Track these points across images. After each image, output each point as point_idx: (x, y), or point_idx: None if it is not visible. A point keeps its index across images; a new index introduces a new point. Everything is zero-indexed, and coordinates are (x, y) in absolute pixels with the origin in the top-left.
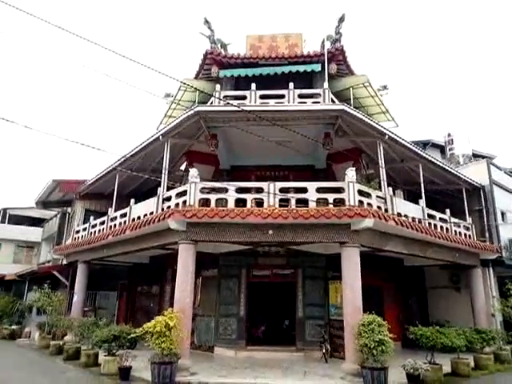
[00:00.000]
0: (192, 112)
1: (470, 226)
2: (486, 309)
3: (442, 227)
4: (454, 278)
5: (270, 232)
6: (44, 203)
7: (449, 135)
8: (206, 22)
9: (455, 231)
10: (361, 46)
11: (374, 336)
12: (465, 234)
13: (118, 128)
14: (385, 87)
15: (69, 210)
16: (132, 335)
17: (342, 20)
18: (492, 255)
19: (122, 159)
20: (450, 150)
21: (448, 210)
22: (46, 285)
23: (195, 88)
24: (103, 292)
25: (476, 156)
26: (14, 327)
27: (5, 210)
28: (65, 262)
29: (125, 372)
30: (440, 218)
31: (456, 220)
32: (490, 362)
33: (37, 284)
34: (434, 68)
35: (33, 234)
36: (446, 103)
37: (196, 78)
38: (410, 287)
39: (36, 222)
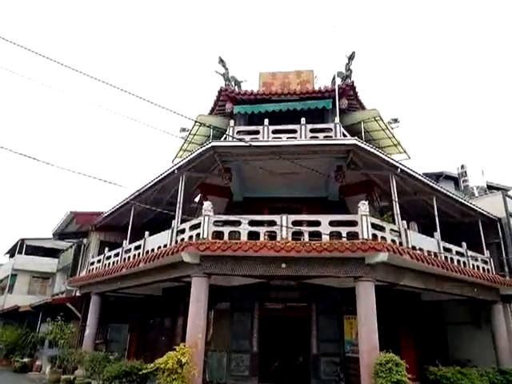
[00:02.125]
0: (206, 147)
1: (487, 260)
2: (509, 347)
3: (458, 261)
4: (473, 314)
5: (283, 265)
6: (60, 234)
7: (462, 167)
8: (221, 60)
9: (473, 265)
10: (371, 80)
11: (392, 376)
12: (483, 268)
13: (135, 162)
14: (396, 120)
15: (84, 241)
16: (143, 371)
17: (352, 57)
18: None
19: (137, 193)
20: (463, 181)
21: (464, 244)
22: (59, 317)
23: (209, 126)
24: (115, 325)
25: (491, 188)
26: (25, 360)
27: (22, 240)
28: (78, 294)
29: None
30: (456, 252)
31: (473, 253)
32: None
33: (50, 315)
34: (445, 100)
35: (48, 264)
36: (458, 135)
37: (211, 113)
38: (428, 323)
39: (52, 252)
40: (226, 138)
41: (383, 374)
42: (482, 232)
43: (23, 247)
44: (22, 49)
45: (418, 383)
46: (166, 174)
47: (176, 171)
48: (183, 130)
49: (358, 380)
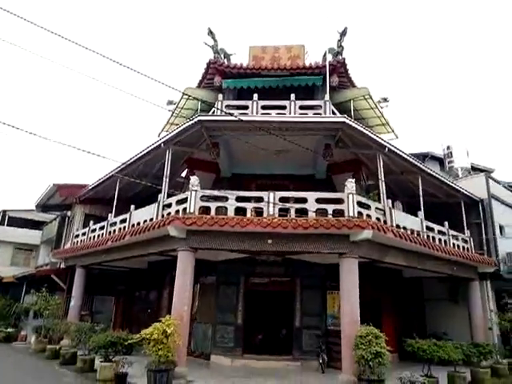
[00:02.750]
0: (194, 121)
1: (468, 239)
2: (483, 322)
3: (440, 240)
4: (451, 290)
5: (269, 241)
6: (44, 206)
7: (448, 148)
8: (210, 32)
9: (453, 244)
10: (362, 58)
11: (371, 348)
12: (463, 247)
13: (120, 134)
14: (385, 99)
15: (68, 213)
16: (129, 341)
17: (344, 33)
18: (490, 268)
19: (123, 166)
20: (449, 162)
21: (446, 223)
22: (43, 288)
23: (197, 98)
24: (100, 296)
25: (475, 169)
26: (9, 330)
27: (4, 211)
28: (63, 266)
29: (121, 378)
30: (438, 231)
31: (454, 233)
32: (486, 376)
33: (34, 287)
34: (433, 80)
35: (32, 236)
36: (445, 116)
37: (199, 86)
38: (408, 299)
39: (35, 224)
40: (214, 113)
41: (363, 346)
42: (464, 212)
43: (5, 218)
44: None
45: (396, 355)
46: (152, 147)
47: (162, 145)
48: (170, 102)
49: (339, 351)
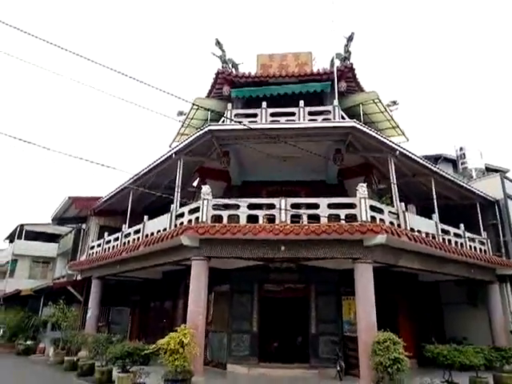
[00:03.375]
0: (204, 131)
1: (485, 241)
2: (504, 325)
3: (456, 242)
4: (470, 293)
5: (282, 248)
6: (60, 219)
7: (461, 149)
8: (218, 42)
9: (470, 246)
10: (370, 62)
11: (390, 354)
12: (480, 249)
13: (132, 146)
14: (394, 102)
15: (83, 226)
16: (146, 352)
17: (350, 39)
18: (509, 270)
19: (136, 177)
20: (462, 164)
21: (462, 225)
22: (61, 300)
23: (206, 108)
24: (117, 307)
25: (489, 170)
26: (28, 343)
27: (22, 226)
28: (79, 278)
29: None
30: (454, 233)
31: (471, 235)
32: (510, 380)
33: (52, 299)
34: (445, 82)
35: (48, 249)
36: (457, 117)
37: (208, 96)
38: (425, 303)
39: (51, 237)
40: (223, 122)
41: (381, 352)
42: (479, 214)
43: (22, 232)
44: (15, 29)
45: (414, 361)
46: (163, 158)
47: (174, 155)
48: (180, 113)
49: (357, 358)
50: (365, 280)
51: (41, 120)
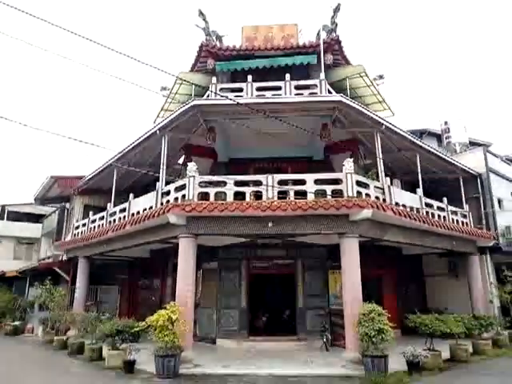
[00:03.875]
0: (188, 106)
1: (467, 214)
2: (483, 295)
3: (439, 216)
4: (451, 265)
5: (270, 224)
6: (42, 199)
7: (445, 123)
8: (201, 13)
9: (452, 219)
10: (356, 36)
11: (374, 325)
12: (462, 222)
13: (114, 123)
14: (381, 77)
15: (67, 205)
16: (135, 329)
17: (337, 10)
18: (489, 242)
19: (120, 155)
20: (446, 138)
21: (445, 199)
22: (47, 281)
23: (191, 83)
24: (104, 286)
25: (473, 144)
26: (16, 323)
27: (3, 206)
28: (65, 258)
29: (129, 365)
30: (437, 207)
31: (453, 208)
32: (488, 347)
33: (38, 280)
34: (429, 56)
35: (32, 230)
36: (442, 91)
37: (192, 70)
38: (409, 276)
39: (35, 218)
40: (208, 96)
41: (366, 324)
42: (462, 187)
43: (5, 213)
44: None
45: (398, 331)
46: (147, 134)
47: (158, 132)
48: (164, 88)
49: (343, 330)
50: (351, 254)
51: (18, 95)
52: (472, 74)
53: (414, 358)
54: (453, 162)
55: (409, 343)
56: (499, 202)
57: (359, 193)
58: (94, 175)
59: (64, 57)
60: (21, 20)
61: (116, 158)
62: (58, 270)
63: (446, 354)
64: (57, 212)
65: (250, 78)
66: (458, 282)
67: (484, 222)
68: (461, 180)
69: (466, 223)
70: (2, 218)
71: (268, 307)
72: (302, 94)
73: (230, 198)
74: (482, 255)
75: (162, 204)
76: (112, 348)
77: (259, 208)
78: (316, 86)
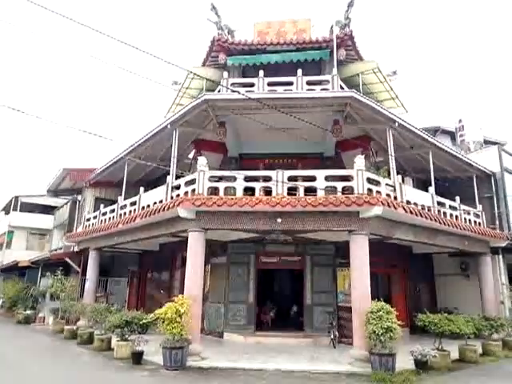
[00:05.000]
0: (200, 100)
1: (480, 214)
2: (494, 296)
3: (451, 215)
4: (463, 265)
5: (279, 220)
6: (55, 191)
7: (459, 121)
8: (213, 8)
9: (465, 218)
10: (370, 31)
11: (382, 323)
12: (475, 222)
13: (126, 117)
14: (394, 73)
15: (79, 197)
16: (144, 321)
17: (351, 4)
18: (502, 242)
19: (131, 148)
20: (460, 136)
21: (458, 198)
22: (58, 271)
23: (202, 77)
24: (114, 278)
25: (487, 142)
26: (28, 312)
27: (16, 197)
28: (76, 249)
29: (137, 356)
30: (450, 206)
31: (466, 207)
32: (498, 348)
33: (50, 270)
34: (444, 53)
35: (44, 221)
36: (456, 89)
37: (203, 65)
38: (419, 274)
39: (47, 209)
40: (219, 91)
41: (374, 321)
42: (475, 186)
43: (18, 204)
44: None
45: (407, 329)
46: (158, 128)
47: (169, 126)
48: (175, 83)
49: (350, 327)
50: (360, 252)
51: (33, 89)
52: (487, 71)
53: (422, 357)
54: (466, 160)
55: (417, 342)
56: None
57: (370, 190)
58: (106, 168)
59: (77, 51)
60: (34, 13)
61: (127, 151)
62: (69, 260)
63: (454, 355)
64: (68, 204)
65: (261, 73)
66: (469, 282)
67: (497, 221)
68: (474, 179)
69: (479, 223)
70: (16, 210)
71: (276, 303)
72: (313, 90)
73: (239, 193)
74: (495, 255)
75: (172, 198)
76: (121, 339)
77: (268, 204)
78: (328, 81)
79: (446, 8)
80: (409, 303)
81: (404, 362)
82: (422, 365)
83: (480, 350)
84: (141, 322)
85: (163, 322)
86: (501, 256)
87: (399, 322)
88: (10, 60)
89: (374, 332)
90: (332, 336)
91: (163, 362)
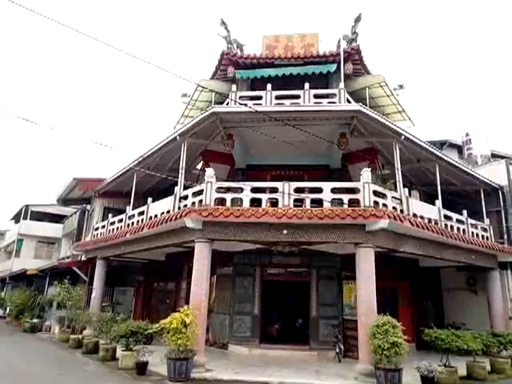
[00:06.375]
0: (208, 113)
1: (487, 228)
2: (503, 312)
3: (458, 228)
4: (470, 280)
5: (285, 232)
6: (64, 200)
7: (467, 135)
8: (223, 23)
9: (472, 233)
10: (377, 45)
11: (388, 337)
12: (482, 236)
13: (136, 128)
14: (401, 86)
15: (88, 207)
16: (149, 331)
17: (358, 20)
18: (510, 257)
19: (140, 159)
20: (467, 150)
21: (465, 211)
22: (66, 280)
23: (211, 90)
24: (120, 288)
25: (495, 156)
26: (34, 320)
27: (27, 206)
28: (84, 258)
29: (142, 367)
30: (457, 220)
31: (473, 221)
32: (507, 365)
33: (57, 279)
34: (451, 67)
35: (53, 230)
36: (464, 102)
37: (212, 78)
38: (425, 288)
39: (56, 218)
40: (228, 104)
41: (380, 336)
42: (483, 200)
43: (28, 213)
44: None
45: (413, 344)
46: (167, 140)
47: (178, 137)
48: (184, 95)
49: (356, 341)
50: (366, 265)
51: (46, 101)
52: (495, 84)
53: (428, 374)
54: (473, 174)
55: (424, 358)
56: None
57: (376, 203)
58: (115, 178)
59: (89, 62)
60: (40, 24)
61: (137, 161)
62: (76, 269)
63: (462, 372)
64: (77, 213)
65: (269, 86)
66: (476, 297)
67: (505, 236)
68: (482, 193)
69: (487, 237)
70: (26, 218)
71: (281, 315)
72: (320, 103)
73: (246, 204)
74: (503, 270)
75: (179, 208)
76: (125, 349)
77: (275, 215)
78: (335, 95)
79: (453, 22)
80: (415, 318)
81: (410, 377)
82: (428, 381)
83: (488, 367)
84: (146, 332)
85: (168, 332)
86: (509, 271)
87: (405, 337)
88: (33, 71)
89: (380, 346)
90: (337, 350)
91: (167, 374)
